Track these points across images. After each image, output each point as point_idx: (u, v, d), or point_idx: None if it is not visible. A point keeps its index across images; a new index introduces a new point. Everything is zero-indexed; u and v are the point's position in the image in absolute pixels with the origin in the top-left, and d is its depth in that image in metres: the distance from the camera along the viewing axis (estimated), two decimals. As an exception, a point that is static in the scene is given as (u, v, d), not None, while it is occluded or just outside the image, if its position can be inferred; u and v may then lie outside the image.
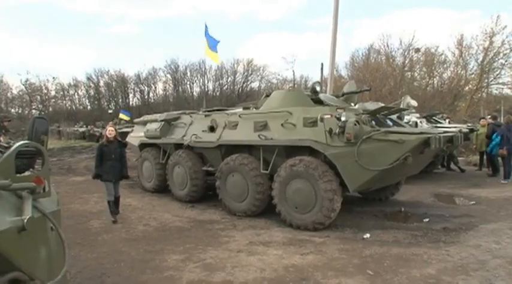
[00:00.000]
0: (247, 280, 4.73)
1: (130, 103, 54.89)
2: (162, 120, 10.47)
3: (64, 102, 56.14)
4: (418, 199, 9.29)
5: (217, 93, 50.39)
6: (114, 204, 7.72)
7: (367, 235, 6.39)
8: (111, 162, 7.46)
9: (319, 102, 7.70)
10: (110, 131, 7.53)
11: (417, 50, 28.84)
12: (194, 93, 52.29)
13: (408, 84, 28.32)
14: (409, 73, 29.39)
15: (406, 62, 29.30)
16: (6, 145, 2.91)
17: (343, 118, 6.40)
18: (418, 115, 12.73)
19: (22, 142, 2.03)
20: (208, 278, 4.79)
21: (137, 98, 55.61)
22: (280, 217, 7.20)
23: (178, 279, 4.80)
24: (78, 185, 12.55)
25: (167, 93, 54.28)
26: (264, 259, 5.42)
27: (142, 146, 11.35)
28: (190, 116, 9.91)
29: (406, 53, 29.37)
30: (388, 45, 30.72)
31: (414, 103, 13.22)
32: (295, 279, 4.71)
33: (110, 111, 49.05)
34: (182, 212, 8.56)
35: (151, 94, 55.04)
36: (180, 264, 5.31)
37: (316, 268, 5.03)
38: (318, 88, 7.85)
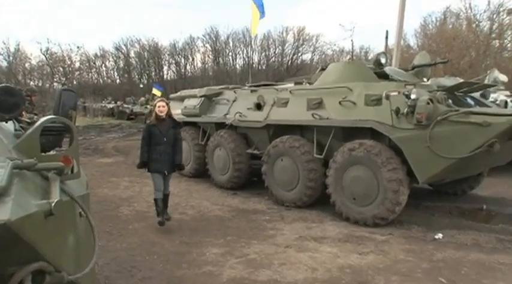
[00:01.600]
0: (296, 280, 4.72)
1: (165, 76, 56.10)
2: (202, 96, 10.66)
3: (90, 74, 57.89)
4: (504, 195, 8.92)
5: (263, 66, 50.47)
6: (163, 202, 6.77)
7: (440, 236, 6.22)
8: (162, 148, 6.45)
9: (384, 76, 7.55)
10: (160, 107, 6.52)
11: (510, 12, 27.11)
12: (237, 65, 52.65)
13: (495, 55, 26.90)
14: (496, 41, 27.87)
15: (494, 27, 27.77)
16: (29, 120, 3.00)
17: (413, 96, 6.23)
18: (508, 92, 12.09)
19: (48, 117, 2.06)
20: (251, 276, 4.82)
21: (172, 71, 56.76)
22: (334, 209, 7.22)
23: (218, 276, 4.86)
24: (106, 167, 13.03)
25: (206, 65, 55.04)
26: (316, 256, 5.41)
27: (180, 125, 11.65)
28: (234, 92, 10.04)
29: (494, 16, 27.85)
30: (470, 7, 29.34)
31: (503, 78, 12.50)
32: (352, 282, 4.65)
33: (142, 86, 50.34)
34: (223, 200, 8.71)
35: (188, 67, 55.99)
36: (219, 259, 5.39)
37: (377, 271, 4.94)
38: (382, 61, 7.70)
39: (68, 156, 2.04)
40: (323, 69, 8.79)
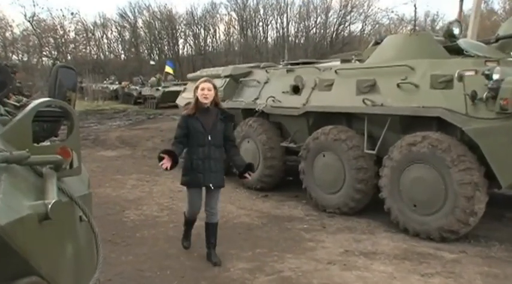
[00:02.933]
0: (341, 306, 4.71)
1: (180, 52, 56.55)
2: (226, 76, 10.75)
3: (88, 48, 58.42)
4: None
5: (302, 40, 50.24)
6: (208, 236, 6.04)
7: None
8: (204, 150, 5.57)
9: (456, 51, 7.46)
10: (205, 90, 5.58)
11: None
12: (269, 39, 52.58)
13: None
14: None
15: None
16: (17, 103, 3.01)
17: (495, 76, 6.12)
18: None
19: (43, 99, 2.06)
20: (286, 299, 4.85)
21: (189, 45, 57.19)
22: (389, 217, 7.22)
23: (245, 297, 4.90)
24: (108, 162, 13.30)
25: (231, 38, 55.13)
26: (366, 277, 5.39)
27: None
28: (266, 71, 10.08)
29: None
30: None
31: None
32: (414, 311, 4.60)
33: (153, 62, 50.83)
34: (251, 204, 8.77)
35: (208, 41, 56.31)
36: (247, 275, 5.42)
37: (446, 298, 4.88)
38: (455, 31, 7.59)
39: (67, 147, 2.05)
40: (377, 43, 8.75)
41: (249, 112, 9.96)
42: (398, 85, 7.25)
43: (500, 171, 6.26)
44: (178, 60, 46.10)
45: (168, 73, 34.00)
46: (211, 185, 5.65)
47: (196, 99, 5.63)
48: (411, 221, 6.86)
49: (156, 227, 7.30)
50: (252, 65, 11.23)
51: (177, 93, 28.11)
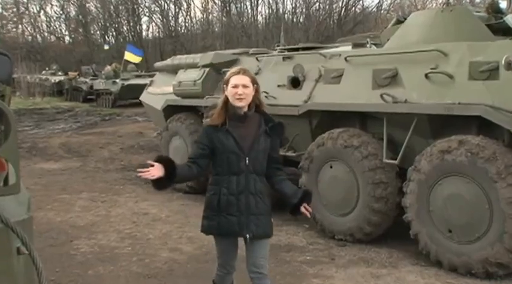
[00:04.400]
0: None
1: (144, 33, 56.47)
2: (205, 66, 10.86)
3: (20, 27, 57.79)
4: None
5: (301, 19, 50.26)
6: None
7: None
8: (240, 180, 4.80)
9: (503, 31, 7.55)
10: (239, 88, 4.71)
11: None
12: (259, 17, 52.62)
13: None
14: None
15: None
16: None
17: None
18: None
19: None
20: None
21: (156, 25, 57.04)
22: (417, 246, 7.25)
23: None
24: (50, 177, 13.24)
25: (210, 17, 55.14)
26: (389, 325, 5.42)
27: (170, 110, 11.96)
28: (257, 59, 10.17)
29: None
30: None
31: None
32: None
33: (107, 47, 50.71)
34: None
35: (181, 19, 56.24)
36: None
37: None
38: (502, 4, 7.67)
39: (1, 158, 2.05)
40: (399, 22, 8.85)
41: (235, 112, 9.97)
42: (426, 76, 7.32)
43: None
44: (141, 44, 46.01)
45: (128, 61, 33.84)
46: (251, 235, 4.77)
47: (226, 102, 4.81)
48: (446, 251, 6.88)
49: (115, 262, 7.29)
50: (238, 50, 11.35)
51: (140, 87, 27.87)
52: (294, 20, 49.49)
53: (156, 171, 4.44)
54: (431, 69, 7.29)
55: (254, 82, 4.87)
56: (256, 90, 4.88)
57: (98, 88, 33.88)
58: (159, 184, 4.53)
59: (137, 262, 7.30)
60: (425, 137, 7.44)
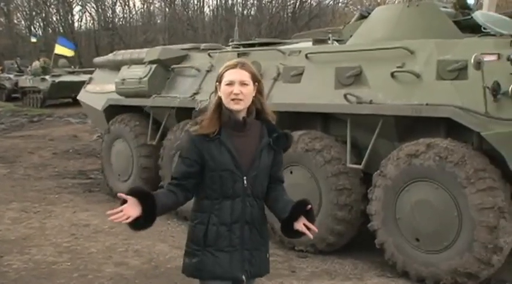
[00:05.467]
0: None
1: (76, 24, 55.94)
2: (152, 62, 10.92)
3: None
4: None
5: (252, 11, 50.33)
6: None
7: None
8: (235, 205, 4.18)
9: (471, 28, 7.76)
10: (235, 86, 4.07)
11: None
12: (206, 9, 52.53)
13: None
14: None
15: None
16: None
17: None
18: None
19: None
20: None
21: (90, 15, 56.57)
22: (383, 257, 7.43)
23: None
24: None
25: (152, 7, 54.87)
26: None
27: (112, 111, 11.93)
28: (209, 55, 10.29)
29: None
30: None
31: None
32: None
33: (35, 39, 50.03)
34: None
35: (118, 10, 55.84)
36: None
37: None
38: (470, 1, 7.90)
39: None
40: (363, 17, 9.06)
41: (185, 113, 9.97)
42: (392, 75, 7.51)
43: None
44: (73, 37, 45.52)
45: (59, 55, 33.47)
46: (246, 275, 4.21)
47: (219, 104, 4.16)
48: (413, 261, 7.07)
49: (53, 278, 7.25)
50: (188, 46, 11.39)
51: (73, 85, 27.91)
52: (245, 12, 49.42)
53: (131, 210, 3.75)
54: (398, 67, 7.47)
55: (255, 79, 4.18)
56: (258, 90, 4.23)
57: (24, 85, 33.42)
58: (137, 225, 3.83)
59: (78, 278, 7.28)
60: (392, 140, 7.66)
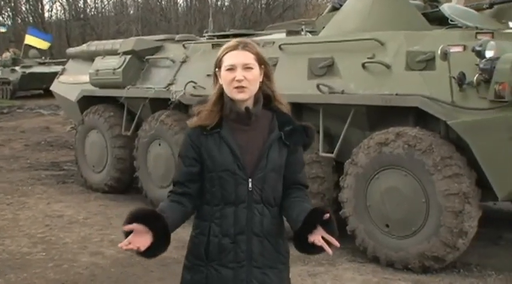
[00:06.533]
0: None
1: (47, 14, 55.49)
2: (126, 53, 11.00)
3: None
4: None
5: (226, 2, 50.18)
6: None
7: None
8: (238, 213, 3.61)
9: (439, 20, 8.01)
10: (237, 71, 3.49)
11: None
12: (179, 0, 52.34)
13: None
14: None
15: None
16: None
17: (488, 54, 6.61)
18: None
19: None
20: None
21: (60, 5, 56.16)
22: (354, 243, 7.65)
23: None
24: None
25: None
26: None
27: (86, 102, 12.01)
28: (184, 46, 10.40)
29: None
30: None
31: None
32: None
33: (3, 29, 49.51)
34: None
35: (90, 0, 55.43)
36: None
37: None
38: None
39: None
40: (335, 9, 9.18)
41: (160, 104, 10.28)
42: (363, 66, 7.71)
43: (495, 178, 6.80)
44: (43, 27, 45.09)
45: (30, 46, 33.20)
46: None
47: (221, 94, 3.63)
48: (383, 247, 7.33)
49: (27, 268, 7.32)
50: (162, 37, 11.46)
51: (44, 76, 27.73)
52: (219, 3, 49.27)
53: (140, 239, 3.22)
54: (368, 58, 7.65)
55: (261, 61, 3.59)
56: (266, 74, 3.65)
57: (-8, 78, 32.94)
58: (150, 253, 3.30)
59: (54, 268, 7.39)
60: (363, 129, 7.88)
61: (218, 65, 3.59)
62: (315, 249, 3.28)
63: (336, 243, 3.25)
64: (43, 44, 32.92)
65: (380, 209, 7.39)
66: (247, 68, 3.47)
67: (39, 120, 23.14)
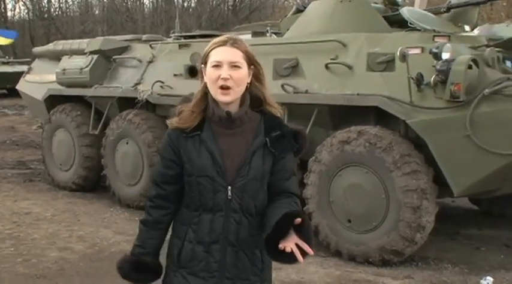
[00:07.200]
0: None
1: (10, 14, 54.96)
2: (93, 52, 11.15)
3: None
4: None
5: (192, 3, 50.05)
6: None
7: (489, 280, 6.88)
8: (215, 221, 3.42)
9: (399, 23, 8.26)
10: (223, 69, 3.29)
11: None
12: (145, 1, 52.10)
13: None
14: None
15: None
16: None
17: (445, 55, 6.90)
18: None
19: None
20: None
21: (24, 4, 55.70)
22: (318, 237, 7.85)
23: None
24: None
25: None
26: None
27: (53, 101, 12.12)
28: (151, 47, 10.59)
29: None
30: None
31: None
32: None
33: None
34: (133, 227, 8.88)
35: (53, -1, 55.03)
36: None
37: None
38: None
39: None
40: (299, 11, 9.40)
41: (128, 103, 10.43)
42: (326, 67, 7.99)
43: (451, 174, 7.11)
44: (6, 27, 44.47)
45: (-5, 44, 32.93)
46: None
47: (205, 93, 3.41)
48: (345, 241, 7.62)
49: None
50: (129, 37, 11.59)
51: (8, 76, 27.59)
52: (185, 4, 49.08)
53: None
54: (331, 59, 7.92)
55: (251, 61, 3.38)
56: (256, 76, 3.42)
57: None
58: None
59: (23, 262, 7.54)
60: (326, 128, 8.14)
61: (204, 60, 3.38)
62: (286, 257, 3.11)
63: (310, 250, 3.08)
64: (6, 41, 32.47)
65: (342, 205, 7.67)
66: (234, 66, 3.28)
67: (4, 120, 23.08)
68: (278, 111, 3.44)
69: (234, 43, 3.33)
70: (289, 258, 3.10)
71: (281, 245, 3.04)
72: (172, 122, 3.40)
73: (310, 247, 3.08)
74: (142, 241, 3.50)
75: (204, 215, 3.37)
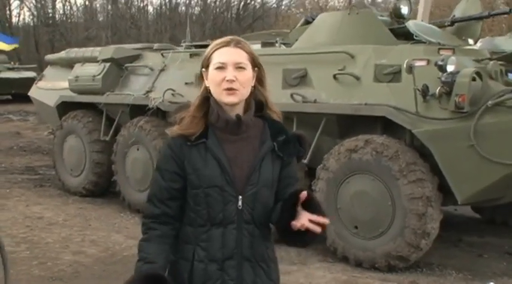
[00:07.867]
0: None
1: (14, 19, 55.03)
2: (106, 60, 11.32)
3: None
4: None
5: (196, 10, 50.01)
6: None
7: None
8: (226, 235, 3.18)
9: (405, 35, 8.42)
10: (228, 71, 3.10)
11: None
12: (150, 8, 51.96)
13: None
14: None
15: None
16: None
17: (450, 68, 7.09)
18: None
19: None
20: None
21: (29, 10, 55.70)
22: (325, 243, 8.07)
23: None
24: None
25: (94, 4, 53.81)
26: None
27: (65, 108, 12.28)
28: (162, 55, 10.78)
29: None
30: None
31: None
32: None
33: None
34: None
35: (59, 5, 54.38)
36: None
37: None
38: (404, 10, 8.60)
39: None
40: (308, 23, 9.56)
41: (139, 110, 10.64)
42: (335, 77, 8.18)
43: (455, 183, 7.30)
44: (11, 33, 44.65)
45: (-1, 50, 32.91)
46: None
47: (206, 98, 3.23)
48: (352, 247, 7.80)
49: (13, 266, 7.10)
50: (141, 45, 11.76)
51: (13, 82, 27.56)
52: (190, 11, 49.03)
53: None
54: (339, 70, 8.12)
55: (255, 62, 3.20)
56: (259, 79, 3.26)
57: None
58: None
59: (38, 265, 7.72)
60: (334, 137, 8.31)
61: (205, 64, 3.19)
62: (303, 236, 2.96)
63: (325, 220, 2.90)
64: (8, 46, 32.38)
65: (349, 211, 7.86)
66: (239, 67, 3.08)
67: (9, 126, 23.11)
68: (278, 116, 3.29)
69: (238, 43, 3.15)
70: (304, 237, 2.98)
71: (296, 226, 2.86)
72: (174, 129, 3.15)
73: (325, 216, 2.93)
74: (151, 258, 3.09)
75: (214, 230, 3.12)
